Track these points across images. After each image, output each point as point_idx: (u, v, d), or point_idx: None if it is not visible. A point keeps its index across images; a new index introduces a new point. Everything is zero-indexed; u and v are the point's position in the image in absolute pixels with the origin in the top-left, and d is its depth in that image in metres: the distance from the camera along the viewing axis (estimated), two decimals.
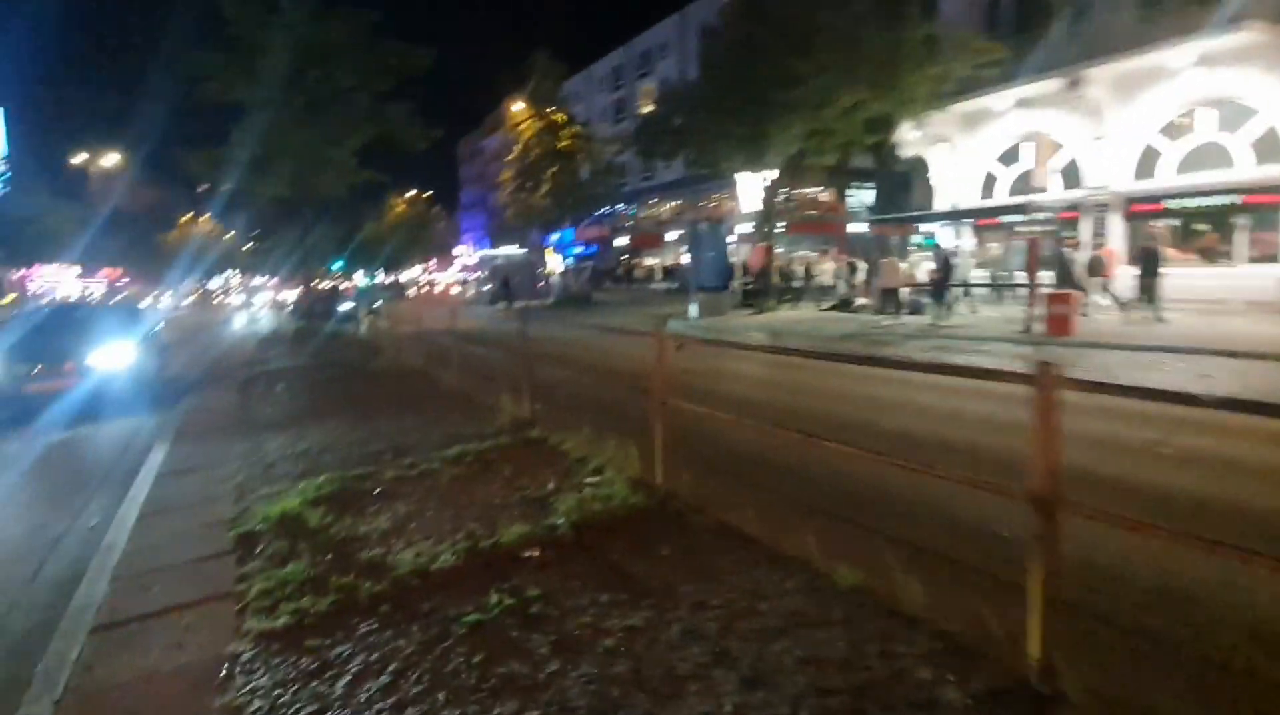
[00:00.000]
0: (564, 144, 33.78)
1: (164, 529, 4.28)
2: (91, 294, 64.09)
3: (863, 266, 21.77)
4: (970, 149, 20.84)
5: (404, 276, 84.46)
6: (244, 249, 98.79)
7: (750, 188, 43.22)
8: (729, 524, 3.65)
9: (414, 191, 70.36)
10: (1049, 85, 17.73)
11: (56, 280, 66.07)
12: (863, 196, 42.00)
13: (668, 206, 55.25)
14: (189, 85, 16.65)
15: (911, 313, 16.46)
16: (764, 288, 21.39)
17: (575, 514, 3.84)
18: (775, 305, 21.09)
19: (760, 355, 11.39)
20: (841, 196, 45.69)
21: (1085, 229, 18.44)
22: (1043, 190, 18.00)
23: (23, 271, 56.88)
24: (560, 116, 34.67)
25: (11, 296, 38.19)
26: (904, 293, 16.54)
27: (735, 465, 4.98)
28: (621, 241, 59.46)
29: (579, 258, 59.81)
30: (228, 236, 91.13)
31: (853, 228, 46.75)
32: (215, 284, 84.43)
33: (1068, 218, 17.90)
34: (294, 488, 4.64)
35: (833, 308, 21.13)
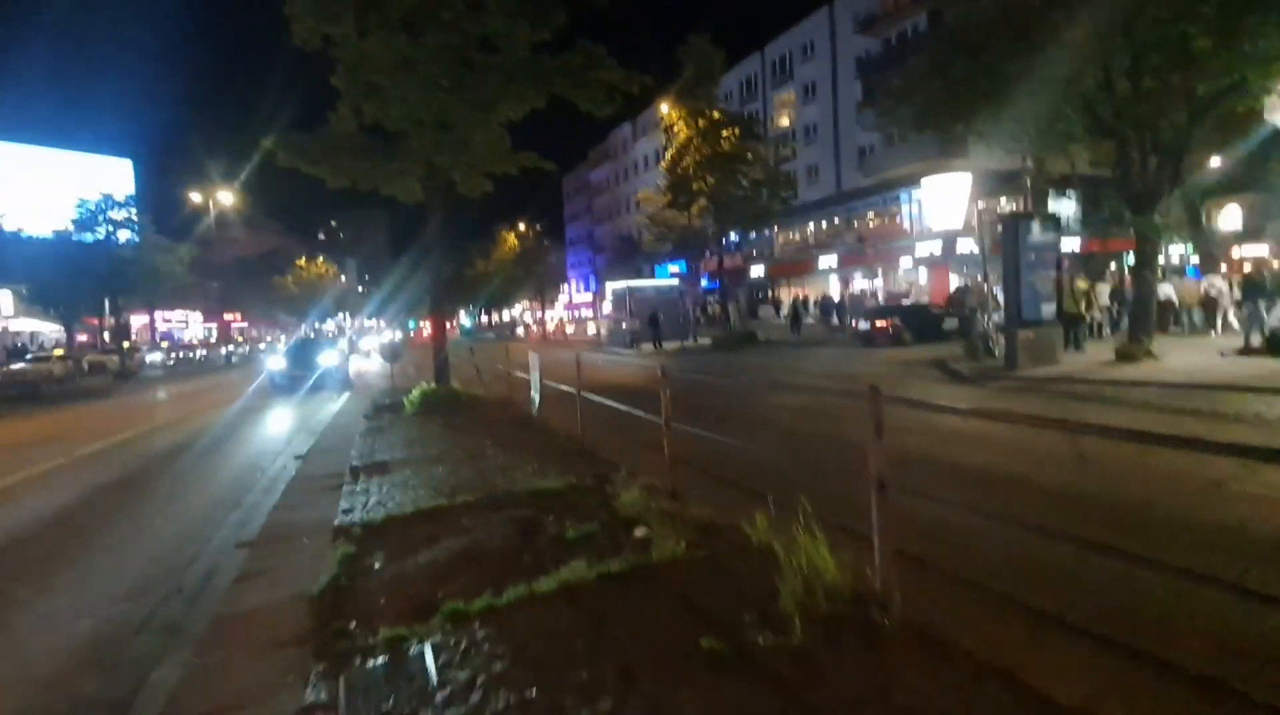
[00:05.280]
0: (727, 147, 27.16)
1: None
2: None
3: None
4: None
5: (507, 314, 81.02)
6: (359, 290, 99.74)
7: (947, 196, 34.59)
8: None
9: (523, 225, 66.37)
10: None
11: (183, 323, 66.49)
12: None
13: (810, 229, 47.68)
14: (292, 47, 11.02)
15: None
16: (1143, 320, 13.30)
17: None
18: (1148, 349, 12.98)
19: None
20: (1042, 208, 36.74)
21: None
22: None
23: (145, 316, 56.53)
24: (718, 113, 28.19)
25: (127, 344, 35.51)
26: None
27: None
28: (757, 271, 52.24)
29: (705, 291, 53.22)
30: (341, 278, 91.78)
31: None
32: (329, 327, 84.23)
33: None
34: None
35: (1248, 350, 12.87)
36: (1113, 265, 33.11)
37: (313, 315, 69.64)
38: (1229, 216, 29.22)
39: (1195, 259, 26.73)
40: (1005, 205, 32.74)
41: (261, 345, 58.08)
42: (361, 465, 7.47)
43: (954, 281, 31.52)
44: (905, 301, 30.75)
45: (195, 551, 5.28)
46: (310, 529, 5.28)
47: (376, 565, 4.23)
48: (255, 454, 9.66)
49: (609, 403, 7.51)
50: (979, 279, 27.30)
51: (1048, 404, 9.61)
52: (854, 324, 22.76)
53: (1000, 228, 14.08)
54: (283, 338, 57.67)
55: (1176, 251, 32.00)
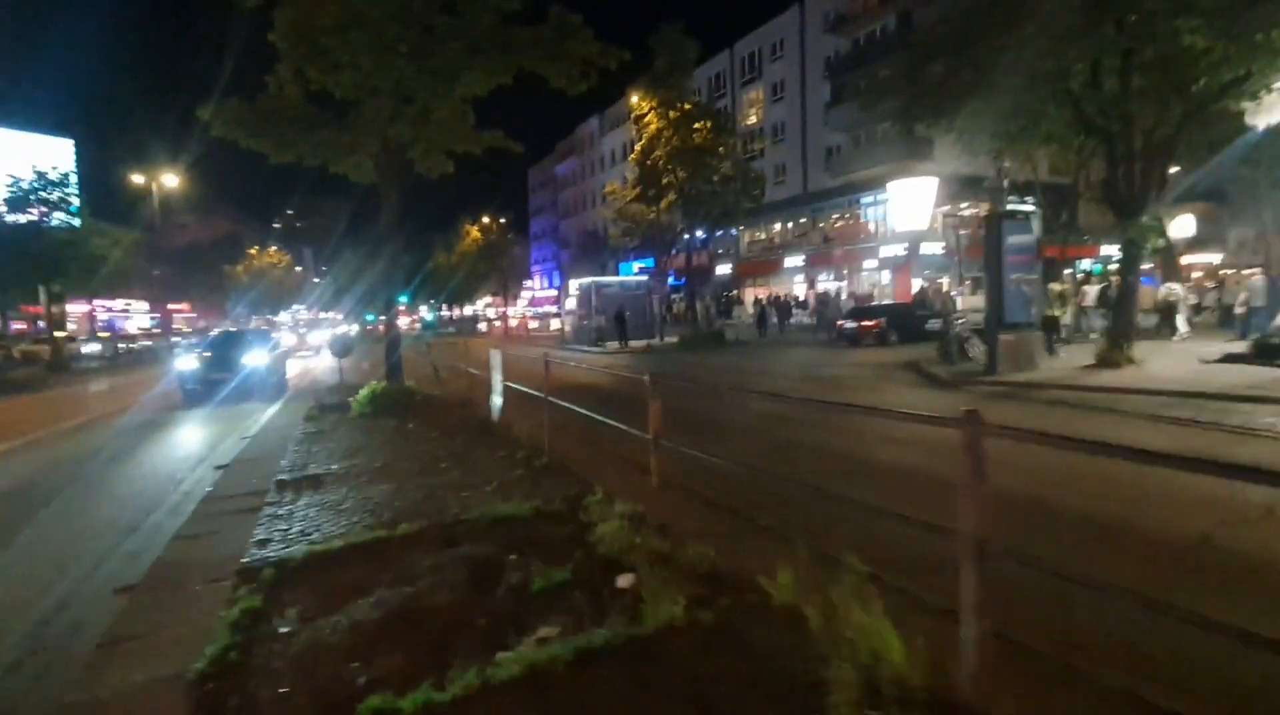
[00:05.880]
0: (700, 140, 26.41)
1: None
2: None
3: None
4: None
5: (469, 310, 78.97)
6: (315, 281, 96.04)
7: (913, 199, 34.41)
8: None
9: (487, 217, 64.64)
10: None
11: (125, 313, 62.70)
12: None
13: (776, 229, 47.40)
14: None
15: None
16: (1124, 325, 12.94)
17: None
18: (1128, 355, 12.63)
19: None
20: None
21: None
22: None
23: (86, 304, 53.24)
24: (690, 105, 27.44)
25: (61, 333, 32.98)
26: None
27: None
28: (724, 270, 51.78)
29: (671, 288, 52.57)
30: (297, 268, 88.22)
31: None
32: (282, 318, 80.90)
33: None
34: None
35: (1230, 356, 12.63)
36: (1066, 271, 33.50)
37: (263, 306, 66.63)
38: (1182, 224, 29.86)
39: (1149, 265, 27.10)
40: (969, 209, 32.81)
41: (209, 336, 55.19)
42: (291, 479, 6.42)
43: (915, 284, 31.50)
44: (873, 302, 30.60)
45: (65, 596, 4.21)
46: (212, 567, 4.26)
47: (285, 628, 3.26)
48: (173, 461, 8.47)
49: (581, 411, 6.64)
50: (937, 282, 27.20)
51: (1039, 412, 9.07)
52: (838, 324, 22.67)
53: (984, 228, 13.60)
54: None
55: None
